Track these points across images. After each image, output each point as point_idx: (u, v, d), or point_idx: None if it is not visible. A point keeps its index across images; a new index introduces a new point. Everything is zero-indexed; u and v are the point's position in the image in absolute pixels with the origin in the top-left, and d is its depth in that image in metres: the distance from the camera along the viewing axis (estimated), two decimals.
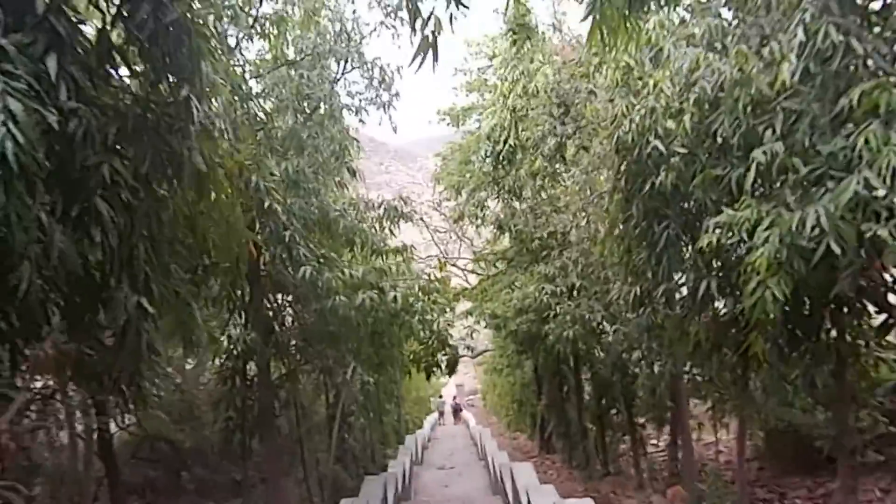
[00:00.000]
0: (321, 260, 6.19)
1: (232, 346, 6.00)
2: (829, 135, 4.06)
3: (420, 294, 8.51)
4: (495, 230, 13.21)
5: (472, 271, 18.14)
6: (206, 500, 9.97)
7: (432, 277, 9.64)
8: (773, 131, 4.34)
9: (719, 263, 5.43)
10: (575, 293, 10.11)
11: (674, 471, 9.99)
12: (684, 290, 6.54)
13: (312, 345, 7.01)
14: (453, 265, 17.46)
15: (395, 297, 6.79)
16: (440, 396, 38.45)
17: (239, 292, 5.80)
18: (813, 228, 3.77)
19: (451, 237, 19.55)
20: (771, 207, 4.16)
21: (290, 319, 6.60)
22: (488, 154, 12.22)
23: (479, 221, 12.56)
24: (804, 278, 4.07)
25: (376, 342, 8.76)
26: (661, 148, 5.37)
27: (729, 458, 11.69)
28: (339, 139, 7.43)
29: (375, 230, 8.19)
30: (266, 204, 5.61)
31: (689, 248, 5.71)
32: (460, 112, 14.73)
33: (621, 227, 6.89)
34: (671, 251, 5.69)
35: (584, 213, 10.58)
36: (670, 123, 5.39)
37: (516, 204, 12.29)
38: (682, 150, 5.31)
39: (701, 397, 8.80)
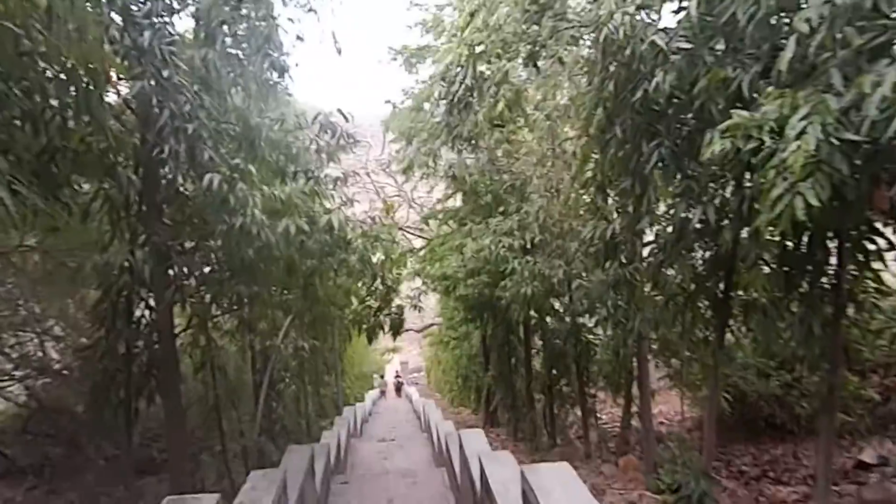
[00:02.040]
0: (234, 172, 4.80)
1: (113, 274, 4.50)
2: None
3: (361, 235, 7.27)
4: (448, 185, 12.11)
5: (421, 236, 17.01)
6: (115, 478, 8.39)
7: (377, 220, 8.41)
8: None
9: (719, 185, 4.60)
10: (533, 249, 9.25)
11: (626, 439, 9.51)
12: (663, 233, 5.78)
13: (223, 283, 5.62)
14: (401, 229, 16.22)
15: (329, 221, 5.53)
16: (382, 376, 37.39)
17: (118, 192, 4.29)
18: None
19: (399, 202, 18.30)
20: (809, 93, 3.29)
21: (192, 246, 5.16)
22: (441, 97, 10.96)
23: (431, 171, 11.38)
24: (839, 187, 3.25)
25: (309, 291, 7.45)
26: (661, 43, 4.43)
27: (671, 427, 11.49)
28: (263, 27, 5.96)
29: (308, 152, 6.85)
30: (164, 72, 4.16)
31: (679, 173, 4.86)
32: (413, 53, 13.30)
33: (597, 155, 5.98)
34: (663, 173, 4.82)
35: (546, 163, 9.71)
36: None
37: (470, 155, 11.21)
38: (686, 46, 4.40)
39: (665, 360, 8.22)
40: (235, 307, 7.26)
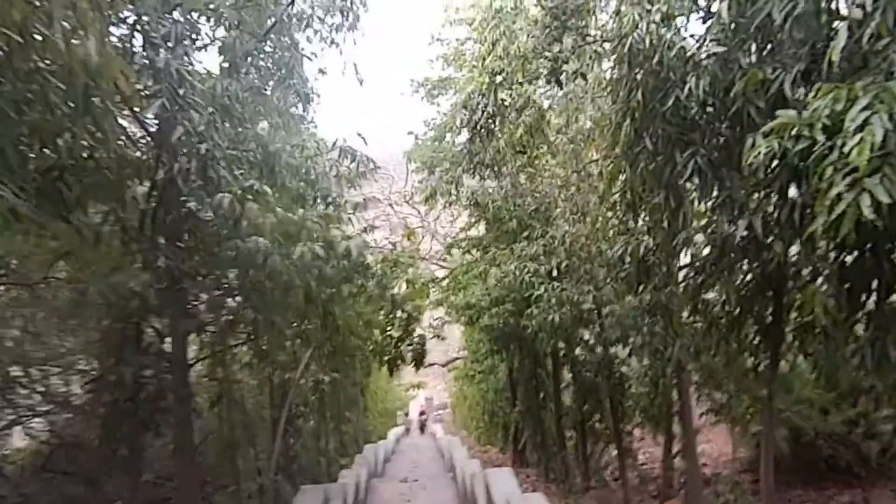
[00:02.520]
0: (248, 193, 4.69)
1: (123, 301, 4.35)
2: None
3: (380, 262, 7.05)
4: (470, 212, 11.91)
5: (444, 266, 16.76)
6: None
7: (398, 245, 8.20)
8: None
9: (763, 195, 4.20)
10: (560, 274, 8.85)
11: (669, 481, 8.71)
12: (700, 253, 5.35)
13: (237, 311, 5.43)
14: (423, 259, 16.03)
15: (347, 248, 5.32)
16: (406, 414, 36.42)
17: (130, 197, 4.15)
18: None
19: (421, 234, 18.20)
20: (867, 83, 2.95)
21: (204, 272, 5.00)
22: (463, 125, 10.92)
23: (454, 199, 11.23)
24: None
25: (328, 320, 7.21)
26: (691, 49, 4.17)
27: (717, 468, 10.52)
28: (287, 59, 6.01)
29: (328, 178, 6.77)
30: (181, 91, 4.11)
31: (716, 183, 4.50)
32: (435, 84, 13.44)
33: (627, 170, 5.65)
34: (699, 184, 4.46)
35: (571, 186, 9.43)
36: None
37: (492, 182, 11.04)
38: (719, 49, 4.13)
39: (709, 393, 7.57)
40: (252, 337, 7.07)
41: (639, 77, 4.64)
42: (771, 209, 4.14)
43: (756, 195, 4.27)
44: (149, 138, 4.54)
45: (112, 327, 4.61)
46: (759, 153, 3.46)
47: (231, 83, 5.49)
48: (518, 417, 14.45)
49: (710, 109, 4.33)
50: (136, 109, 4.43)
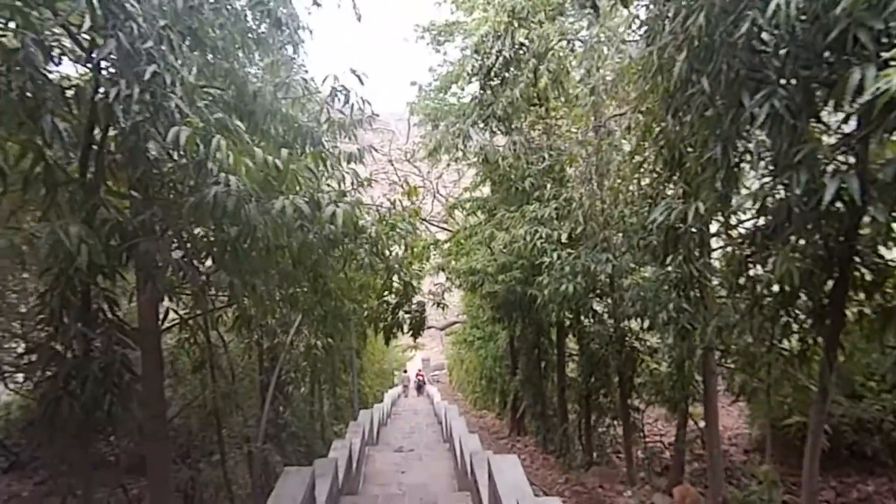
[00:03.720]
0: (213, 124, 3.81)
1: (54, 252, 3.52)
2: None
3: (376, 220, 6.24)
4: (477, 170, 10.98)
5: (446, 229, 15.94)
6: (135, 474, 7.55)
7: (397, 204, 7.36)
8: None
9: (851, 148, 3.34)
10: (575, 240, 8.05)
11: (681, 463, 8.23)
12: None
13: (208, 274, 4.64)
14: (423, 220, 15.18)
15: (333, 212, 4.49)
16: (404, 371, 36.46)
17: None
18: None
19: (422, 193, 17.26)
20: None
21: (164, 227, 4.19)
22: (474, 71, 9.81)
23: (459, 155, 10.27)
24: None
25: (317, 284, 6.47)
26: None
27: (729, 450, 10.08)
28: None
29: (318, 124, 5.86)
30: None
31: (794, 132, 3.63)
32: (442, 29, 12.18)
33: (669, 121, 4.76)
34: (771, 134, 3.60)
35: (590, 143, 8.49)
36: None
37: (502, 138, 10.06)
38: None
39: (729, 372, 6.90)
40: (232, 301, 6.33)
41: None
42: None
43: (846, 150, 3.42)
44: (81, 53, 3.62)
45: (51, 290, 3.83)
46: (879, 89, 2.59)
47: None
48: (518, 386, 14.03)
49: (798, 34, 3.40)
50: (62, 12, 3.48)
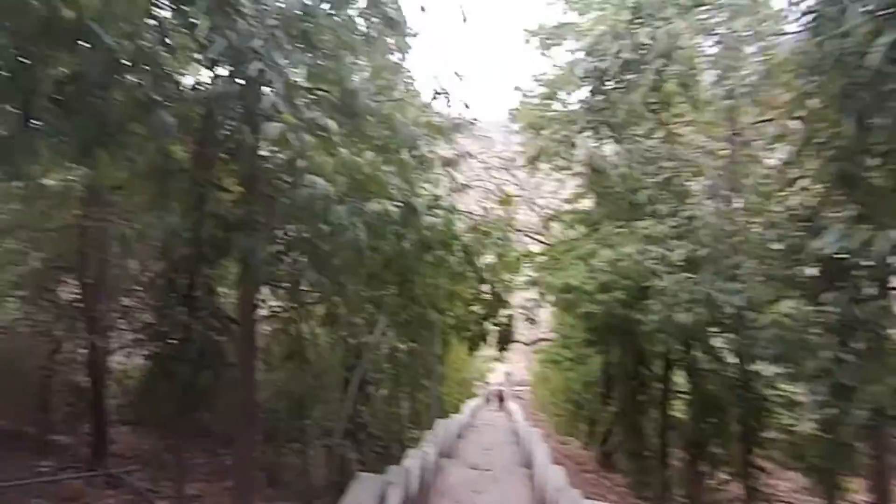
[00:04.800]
0: (308, 127, 3.68)
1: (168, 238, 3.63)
2: None
3: (470, 227, 5.86)
4: (580, 182, 10.18)
5: (542, 241, 15.20)
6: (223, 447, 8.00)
7: (492, 212, 6.94)
8: None
9: None
10: (694, 264, 7.00)
11: None
12: None
13: (302, 271, 4.59)
14: (517, 230, 14.58)
15: (429, 218, 4.19)
16: (487, 383, 35.80)
17: None
18: None
19: (519, 204, 16.67)
20: None
21: (261, 222, 4.16)
22: (586, 75, 9.08)
23: (563, 164, 9.57)
24: None
25: (405, 288, 6.26)
26: None
27: None
28: None
29: (417, 126, 5.64)
30: None
31: None
32: (551, 31, 11.52)
33: (847, 125, 3.76)
34: None
35: (722, 153, 7.38)
36: None
37: (613, 146, 9.20)
38: None
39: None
40: (322, 298, 6.34)
41: None
42: None
43: None
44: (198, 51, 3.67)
45: (160, 277, 3.97)
46: None
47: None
48: (611, 417, 12.83)
49: None
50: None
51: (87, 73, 2.82)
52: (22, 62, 2.43)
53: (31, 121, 2.51)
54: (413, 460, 7.82)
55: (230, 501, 5.69)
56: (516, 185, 16.13)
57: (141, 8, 3.09)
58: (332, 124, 3.88)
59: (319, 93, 4.54)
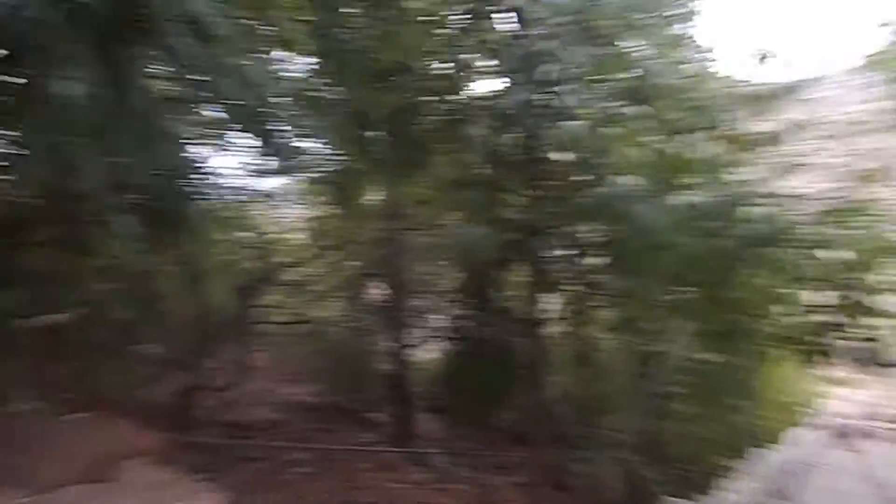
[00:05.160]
0: (602, 116, 3.39)
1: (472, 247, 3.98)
2: None
3: (817, 217, 4.48)
4: None
5: None
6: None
7: (844, 194, 5.16)
8: None
9: None
10: None
11: None
12: None
13: (592, 273, 4.37)
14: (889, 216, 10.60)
15: (750, 212, 3.35)
16: (821, 413, 27.75)
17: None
18: None
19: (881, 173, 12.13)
20: None
21: (552, 224, 4.11)
22: None
23: None
24: None
25: (716, 291, 5.27)
26: None
27: None
28: None
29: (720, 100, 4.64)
30: None
31: None
32: None
33: None
34: None
35: None
36: None
37: None
38: None
39: None
40: (614, 301, 5.96)
41: None
42: None
43: None
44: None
45: (464, 279, 4.40)
46: None
47: None
48: None
49: None
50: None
51: (403, 104, 3.28)
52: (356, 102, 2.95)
53: (366, 150, 3.00)
54: (731, 495, 6.56)
55: (521, 496, 5.92)
56: (878, 155, 11.77)
57: (442, 41, 3.41)
58: (630, 112, 3.50)
59: (610, 83, 4.22)
